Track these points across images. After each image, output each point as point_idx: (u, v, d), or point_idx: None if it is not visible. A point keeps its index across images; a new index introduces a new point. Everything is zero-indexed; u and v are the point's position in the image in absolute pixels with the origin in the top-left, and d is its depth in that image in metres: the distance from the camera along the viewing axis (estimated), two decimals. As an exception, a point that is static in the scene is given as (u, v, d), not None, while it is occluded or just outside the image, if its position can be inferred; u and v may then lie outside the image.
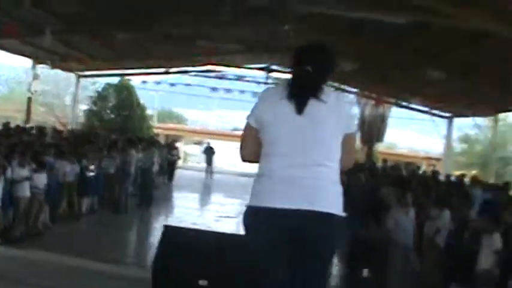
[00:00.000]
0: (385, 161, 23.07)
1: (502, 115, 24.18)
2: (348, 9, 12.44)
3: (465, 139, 40.93)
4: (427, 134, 35.52)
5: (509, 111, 22.77)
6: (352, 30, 15.74)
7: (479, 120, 24.93)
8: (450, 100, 23.07)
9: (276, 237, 3.08)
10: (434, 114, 26.64)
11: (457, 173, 23.96)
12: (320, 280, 3.20)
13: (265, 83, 25.42)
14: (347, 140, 3.24)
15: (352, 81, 24.71)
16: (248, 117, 3.29)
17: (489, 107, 22.17)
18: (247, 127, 3.29)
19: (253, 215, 3.15)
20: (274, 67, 23.39)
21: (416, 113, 28.54)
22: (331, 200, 3.11)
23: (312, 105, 3.10)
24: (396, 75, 20.58)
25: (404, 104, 26.96)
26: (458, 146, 38.78)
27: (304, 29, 16.43)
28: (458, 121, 27.75)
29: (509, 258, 8.33)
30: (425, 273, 9.39)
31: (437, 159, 32.29)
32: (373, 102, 28.86)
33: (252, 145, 3.28)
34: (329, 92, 3.21)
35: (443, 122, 27.19)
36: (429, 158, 34.95)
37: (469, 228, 9.27)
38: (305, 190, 3.04)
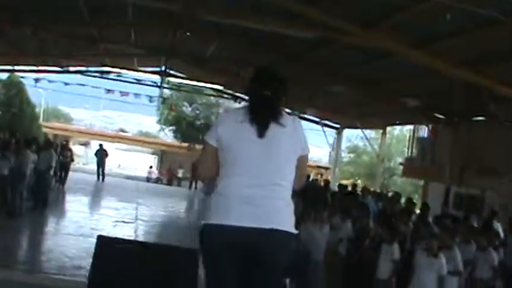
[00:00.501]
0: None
1: (389, 128, 25.72)
2: (258, 22, 12.83)
3: (353, 149, 43.11)
4: (316, 144, 36.96)
5: (396, 124, 24.35)
6: (255, 41, 16.24)
7: (367, 132, 26.35)
8: (341, 112, 24.27)
9: (230, 254, 3.29)
10: (325, 125, 27.92)
11: (345, 181, 25.32)
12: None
13: (159, 87, 25.54)
14: (301, 162, 3.52)
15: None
16: (208, 137, 3.44)
17: (378, 120, 23.68)
18: (207, 147, 3.45)
19: (210, 232, 3.33)
20: (170, 71, 23.55)
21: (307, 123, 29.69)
22: (284, 219, 3.37)
23: (272, 129, 3.35)
24: (291, 86, 21.35)
25: (296, 113, 27.92)
26: (346, 156, 40.84)
27: (205, 36, 16.80)
28: (347, 132, 29.34)
29: (405, 267, 9.01)
30: (329, 282, 9.93)
31: (326, 168, 33.80)
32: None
33: (211, 164, 3.43)
34: (286, 116, 3.47)
35: (332, 133, 28.69)
36: (318, 167, 36.36)
37: (369, 238, 9.93)
38: (261, 209, 3.27)
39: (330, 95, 20.31)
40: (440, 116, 19.81)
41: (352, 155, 43.11)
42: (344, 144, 32.54)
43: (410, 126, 25.03)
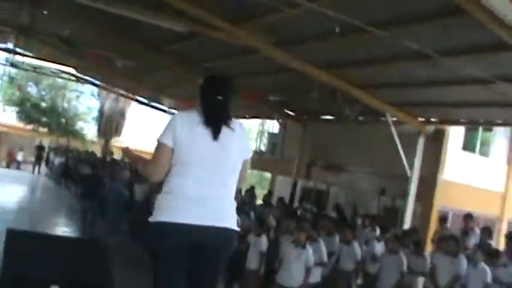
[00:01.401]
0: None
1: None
2: (128, 10, 12.81)
3: None
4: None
5: (245, 118, 25.37)
6: (114, 25, 16.11)
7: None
8: (184, 101, 24.73)
9: (182, 251, 3.60)
10: (172, 114, 28.25)
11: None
12: (214, 282, 3.88)
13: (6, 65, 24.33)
14: (244, 164, 3.92)
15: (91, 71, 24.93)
16: (163, 138, 3.67)
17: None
18: (163, 147, 3.66)
19: (160, 230, 3.60)
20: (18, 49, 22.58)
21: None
22: (231, 217, 3.78)
23: (224, 132, 3.70)
24: (148, 74, 21.60)
25: (145, 101, 28.03)
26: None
27: (66, 16, 16.37)
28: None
29: (273, 259, 9.72)
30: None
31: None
32: (113, 96, 29.45)
33: (166, 165, 3.66)
34: (235, 121, 3.85)
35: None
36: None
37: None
38: (211, 209, 3.64)
39: (185, 85, 20.76)
40: (290, 113, 21.08)
41: None
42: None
43: (259, 120, 26.10)
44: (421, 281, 10.41)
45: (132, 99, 28.98)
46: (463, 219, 11.99)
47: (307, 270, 8.98)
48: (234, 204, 3.85)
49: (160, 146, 3.68)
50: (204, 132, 3.65)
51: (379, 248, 10.58)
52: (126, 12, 12.92)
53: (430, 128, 15.96)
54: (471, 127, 17.41)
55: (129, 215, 14.10)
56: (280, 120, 21.78)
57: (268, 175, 35.50)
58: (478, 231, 11.78)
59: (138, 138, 33.44)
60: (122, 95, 29.01)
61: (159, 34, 14.88)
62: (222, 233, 3.68)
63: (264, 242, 9.69)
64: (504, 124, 15.56)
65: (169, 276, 3.62)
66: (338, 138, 19.09)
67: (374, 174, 17.73)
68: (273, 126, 25.04)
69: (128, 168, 17.36)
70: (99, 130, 34.43)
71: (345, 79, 14.12)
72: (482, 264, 8.76)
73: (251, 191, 16.06)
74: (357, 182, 18.63)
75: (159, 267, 3.66)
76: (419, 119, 15.77)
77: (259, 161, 24.68)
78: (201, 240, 3.61)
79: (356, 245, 10.38)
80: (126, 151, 4.26)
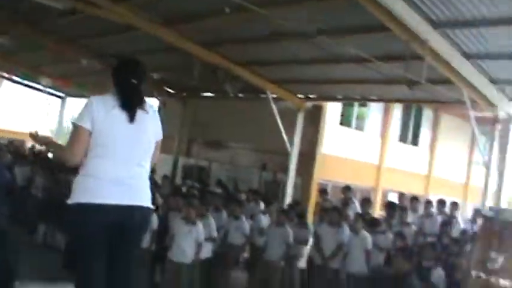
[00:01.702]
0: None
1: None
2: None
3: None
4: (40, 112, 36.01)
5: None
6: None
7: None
8: (72, 81, 24.07)
9: (101, 229, 3.65)
10: (49, 93, 27.51)
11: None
12: (134, 259, 3.95)
13: None
14: (157, 145, 3.97)
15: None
16: (81, 121, 3.63)
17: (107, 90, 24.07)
18: (81, 131, 3.64)
19: (82, 211, 3.63)
20: None
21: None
22: (147, 196, 3.86)
23: (139, 114, 3.76)
24: (16, 51, 20.73)
25: (20, 80, 27.00)
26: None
27: None
28: (73, 101, 29.31)
29: (163, 236, 9.84)
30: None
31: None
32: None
33: (84, 148, 3.68)
34: (147, 104, 3.89)
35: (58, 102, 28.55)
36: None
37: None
38: (128, 188, 3.71)
39: (63, 64, 20.17)
40: (170, 90, 21.07)
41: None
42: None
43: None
44: (306, 250, 10.92)
45: (5, 78, 27.71)
46: (342, 191, 12.65)
47: (198, 246, 9.19)
48: (148, 183, 3.93)
49: (78, 129, 3.66)
50: (120, 115, 3.68)
51: (265, 221, 10.97)
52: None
53: (309, 105, 16.61)
54: (347, 103, 18.28)
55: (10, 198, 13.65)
56: (159, 98, 21.65)
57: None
58: (356, 201, 12.51)
59: (12, 119, 32.08)
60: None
61: (37, 10, 14.33)
62: (140, 211, 3.78)
63: (154, 220, 9.73)
64: (378, 100, 16.55)
65: (89, 257, 3.68)
66: (218, 115, 19.36)
67: (255, 150, 18.21)
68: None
69: (7, 150, 16.67)
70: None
71: (226, 57, 14.37)
72: (363, 232, 9.38)
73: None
74: (238, 157, 19.05)
75: (80, 249, 3.74)
76: (299, 96, 16.36)
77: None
78: (120, 219, 3.68)
79: (244, 219, 10.72)
80: (34, 136, 4.16)
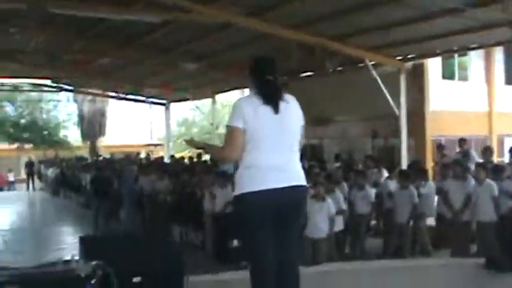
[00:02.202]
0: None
1: (218, 96, 27.29)
2: (95, 10, 13.20)
3: (183, 123, 44.72)
4: (145, 122, 38.00)
5: (225, 91, 25.97)
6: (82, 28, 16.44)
7: (197, 102, 27.67)
8: (168, 87, 25.24)
9: (267, 212, 4.19)
10: (152, 103, 28.86)
11: (178, 155, 26.63)
12: (298, 235, 4.55)
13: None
14: (302, 130, 4.46)
15: (68, 78, 25.19)
16: (234, 123, 4.14)
17: (207, 89, 25.17)
18: (236, 130, 4.13)
19: (250, 199, 4.17)
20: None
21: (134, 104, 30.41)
22: (300, 176, 4.36)
23: (282, 105, 4.25)
24: (118, 70, 22.04)
25: (122, 96, 28.44)
26: (177, 130, 42.25)
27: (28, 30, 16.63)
28: (175, 106, 30.50)
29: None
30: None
31: (159, 145, 34.81)
32: (90, 97, 29.83)
33: (241, 145, 4.15)
34: (287, 95, 4.40)
35: (161, 109, 29.76)
36: (150, 145, 37.14)
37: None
38: (286, 172, 4.24)
39: (163, 72, 21.26)
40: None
41: (182, 128, 44.85)
42: (174, 119, 33.90)
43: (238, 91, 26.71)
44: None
45: (111, 96, 29.36)
46: (459, 144, 12.74)
47: (331, 220, 9.70)
48: (300, 164, 4.43)
49: (233, 129, 4.17)
50: (266, 110, 4.17)
51: (392, 185, 11.24)
52: (96, 13, 13.31)
53: (409, 65, 16.71)
54: (447, 56, 18.13)
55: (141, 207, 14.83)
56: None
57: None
58: (473, 152, 12.58)
59: (122, 134, 34.14)
60: (99, 95, 29.41)
61: (127, 29, 15.30)
62: (298, 190, 4.29)
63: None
64: (478, 47, 16.34)
65: (256, 236, 4.22)
66: (321, 92, 19.74)
67: (363, 120, 18.48)
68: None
69: (134, 163, 17.95)
70: (82, 133, 34.88)
71: (320, 34, 14.71)
72: (488, 181, 9.54)
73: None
74: (348, 130, 19.40)
75: (248, 232, 4.28)
76: (397, 58, 16.48)
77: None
78: (282, 201, 4.21)
79: (368, 188, 11.11)
80: (190, 142, 4.79)
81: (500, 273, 5.92)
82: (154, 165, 17.83)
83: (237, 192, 4.25)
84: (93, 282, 3.55)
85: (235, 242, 9.67)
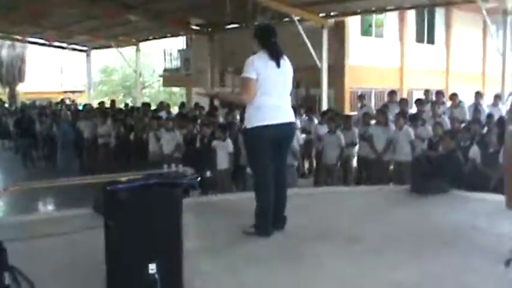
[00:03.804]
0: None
1: (142, 44, 27.90)
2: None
3: (104, 70, 44.73)
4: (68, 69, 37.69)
5: (150, 40, 26.66)
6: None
7: (120, 50, 28.17)
8: (90, 34, 25.61)
9: (271, 139, 5.52)
10: (74, 49, 29.09)
11: (98, 101, 27.20)
12: (286, 156, 6.04)
13: None
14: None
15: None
16: (249, 73, 5.34)
17: (131, 37, 25.85)
18: (251, 79, 5.35)
19: (259, 130, 5.46)
20: None
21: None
22: (293, 115, 5.78)
23: (281, 62, 5.57)
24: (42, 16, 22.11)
25: (42, 42, 28.39)
26: (98, 77, 42.33)
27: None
28: (96, 53, 30.81)
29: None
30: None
31: (81, 92, 34.99)
32: (9, 43, 29.54)
33: (254, 90, 5.39)
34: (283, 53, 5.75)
35: (82, 56, 30.03)
36: (73, 92, 37.11)
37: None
38: (285, 112, 5.62)
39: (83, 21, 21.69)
40: (195, 27, 22.68)
41: (103, 76, 44.93)
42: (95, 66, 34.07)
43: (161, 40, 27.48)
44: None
45: (31, 42, 29.21)
46: (388, 95, 14.34)
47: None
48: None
49: (248, 79, 5.40)
50: (272, 64, 5.44)
51: (322, 129, 12.77)
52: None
53: (331, 21, 18.31)
54: (366, 15, 19.80)
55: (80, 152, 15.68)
56: (188, 36, 23.29)
57: (176, 90, 37.36)
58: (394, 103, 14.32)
59: (42, 81, 33.98)
60: (19, 40, 29.16)
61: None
62: (291, 125, 5.74)
63: (229, 144, 11.47)
64: (395, 9, 18.14)
65: (264, 158, 5.55)
66: (246, 44, 20.90)
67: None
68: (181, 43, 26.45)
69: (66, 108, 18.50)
70: (1, 79, 34.39)
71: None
72: (406, 127, 11.22)
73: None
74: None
75: (257, 155, 5.61)
76: (321, 15, 18.02)
77: (171, 78, 26.25)
78: (281, 132, 5.59)
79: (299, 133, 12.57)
80: (202, 93, 6.02)
81: (423, 195, 7.60)
82: (96, 110, 18.40)
83: (250, 125, 5.57)
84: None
85: (208, 173, 10.85)
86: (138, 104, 22.32)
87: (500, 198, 7.30)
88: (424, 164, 10.13)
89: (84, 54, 29.74)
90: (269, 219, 5.53)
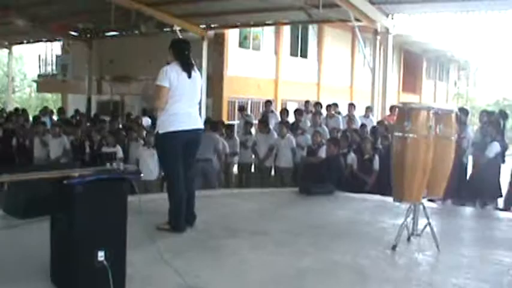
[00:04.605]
0: None
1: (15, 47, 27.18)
2: None
3: None
4: None
5: (24, 43, 26.06)
6: None
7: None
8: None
9: (182, 144, 5.99)
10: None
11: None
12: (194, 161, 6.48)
13: None
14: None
15: None
16: (162, 82, 5.76)
17: (3, 39, 25.17)
18: (163, 88, 5.77)
19: (170, 135, 5.91)
20: None
21: None
22: (201, 122, 6.33)
23: (192, 73, 6.05)
24: None
25: None
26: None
27: None
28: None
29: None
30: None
31: None
32: None
33: (166, 98, 5.87)
34: (195, 65, 6.25)
35: None
36: None
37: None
38: (194, 119, 6.11)
39: None
40: (74, 33, 22.55)
41: None
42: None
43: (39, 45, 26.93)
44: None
45: None
46: (265, 105, 15.14)
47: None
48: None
49: (161, 87, 5.83)
50: (183, 75, 5.89)
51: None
52: None
53: (211, 33, 19.06)
54: (244, 29, 20.67)
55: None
56: (66, 42, 23.09)
57: (49, 95, 36.39)
58: (275, 112, 15.20)
59: None
60: None
61: None
62: (198, 131, 6.23)
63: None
64: (273, 24, 19.22)
65: (175, 161, 5.98)
66: (126, 52, 21.23)
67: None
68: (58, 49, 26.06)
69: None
70: None
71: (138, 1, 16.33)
72: (288, 135, 12.05)
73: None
74: (149, 89, 21.14)
75: (169, 159, 6.04)
76: (201, 27, 18.72)
77: (46, 83, 25.79)
78: (191, 137, 6.07)
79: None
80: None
81: (311, 195, 8.41)
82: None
83: (162, 131, 6.01)
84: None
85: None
86: (10, 109, 21.81)
87: (378, 198, 8.38)
88: (307, 169, 11.05)
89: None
90: (183, 216, 6.02)
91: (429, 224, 5.54)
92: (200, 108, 6.52)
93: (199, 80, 6.24)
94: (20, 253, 4.90)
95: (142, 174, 6.03)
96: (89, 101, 23.11)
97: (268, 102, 14.85)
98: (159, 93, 5.92)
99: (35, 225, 5.55)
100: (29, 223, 5.79)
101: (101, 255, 3.89)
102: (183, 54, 6.09)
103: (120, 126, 14.55)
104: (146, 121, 15.15)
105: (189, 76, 6.01)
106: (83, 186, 3.81)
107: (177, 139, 5.98)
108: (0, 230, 5.76)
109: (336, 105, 14.49)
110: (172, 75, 5.90)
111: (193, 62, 6.19)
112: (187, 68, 6.02)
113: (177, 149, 6.01)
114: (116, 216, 3.98)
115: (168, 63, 6.04)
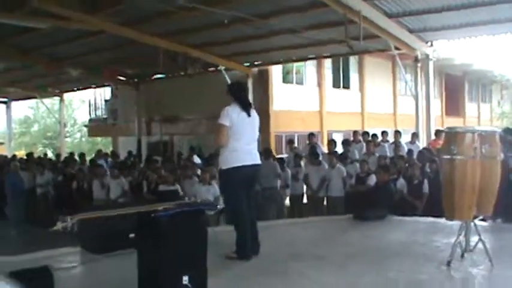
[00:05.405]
0: None
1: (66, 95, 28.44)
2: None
3: (24, 121, 44.41)
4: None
5: (74, 90, 27.29)
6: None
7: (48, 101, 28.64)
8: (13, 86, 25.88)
9: (245, 178, 6.54)
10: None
11: (22, 152, 27.30)
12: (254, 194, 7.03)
13: None
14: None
15: None
16: (224, 121, 6.32)
17: (54, 88, 26.43)
18: (225, 127, 6.32)
19: (234, 171, 6.45)
20: None
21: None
22: (259, 158, 6.82)
23: (251, 112, 6.64)
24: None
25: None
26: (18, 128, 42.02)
27: None
28: (16, 104, 30.95)
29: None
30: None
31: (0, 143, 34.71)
32: None
33: (227, 136, 6.44)
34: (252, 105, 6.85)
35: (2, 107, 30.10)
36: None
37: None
38: (253, 155, 6.64)
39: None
40: (122, 78, 23.52)
41: (23, 127, 44.59)
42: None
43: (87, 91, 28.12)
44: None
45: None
46: (308, 138, 15.58)
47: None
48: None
49: (223, 126, 6.39)
50: (243, 114, 6.47)
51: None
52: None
53: (255, 70, 19.78)
54: (287, 65, 21.32)
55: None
56: (114, 87, 24.11)
57: (98, 139, 37.66)
58: (320, 144, 15.62)
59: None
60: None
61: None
62: (258, 166, 6.78)
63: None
64: (314, 58, 19.81)
65: (238, 194, 6.49)
66: (173, 93, 22.04)
67: (212, 118, 20.86)
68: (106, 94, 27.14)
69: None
70: None
71: (185, 43, 17.09)
72: (338, 165, 12.50)
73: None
74: (196, 128, 21.84)
75: (233, 192, 6.54)
76: (245, 65, 19.46)
77: (97, 128, 26.84)
78: (251, 172, 6.63)
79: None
80: None
81: (365, 221, 8.82)
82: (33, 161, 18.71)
83: (225, 167, 6.56)
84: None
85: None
86: (63, 154, 22.89)
87: (430, 219, 8.74)
88: (357, 197, 11.46)
89: (3, 105, 29.83)
90: (249, 245, 6.51)
91: (481, 240, 5.88)
92: (258, 145, 6.99)
93: (257, 118, 6.74)
94: (109, 282, 5.50)
95: (218, 206, 6.60)
96: (139, 142, 23.94)
97: (311, 135, 15.31)
98: (221, 131, 6.45)
99: (114, 258, 6.13)
100: (107, 257, 6.32)
101: (185, 279, 4.42)
102: (240, 95, 6.67)
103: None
104: (196, 159, 15.83)
105: (248, 115, 6.55)
106: (168, 218, 4.36)
107: (239, 174, 6.47)
108: (85, 264, 6.37)
109: (385, 133, 14.91)
110: (233, 115, 6.43)
111: (250, 102, 6.75)
112: (247, 108, 6.57)
113: (240, 183, 6.50)
114: (197, 244, 4.53)
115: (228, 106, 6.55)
